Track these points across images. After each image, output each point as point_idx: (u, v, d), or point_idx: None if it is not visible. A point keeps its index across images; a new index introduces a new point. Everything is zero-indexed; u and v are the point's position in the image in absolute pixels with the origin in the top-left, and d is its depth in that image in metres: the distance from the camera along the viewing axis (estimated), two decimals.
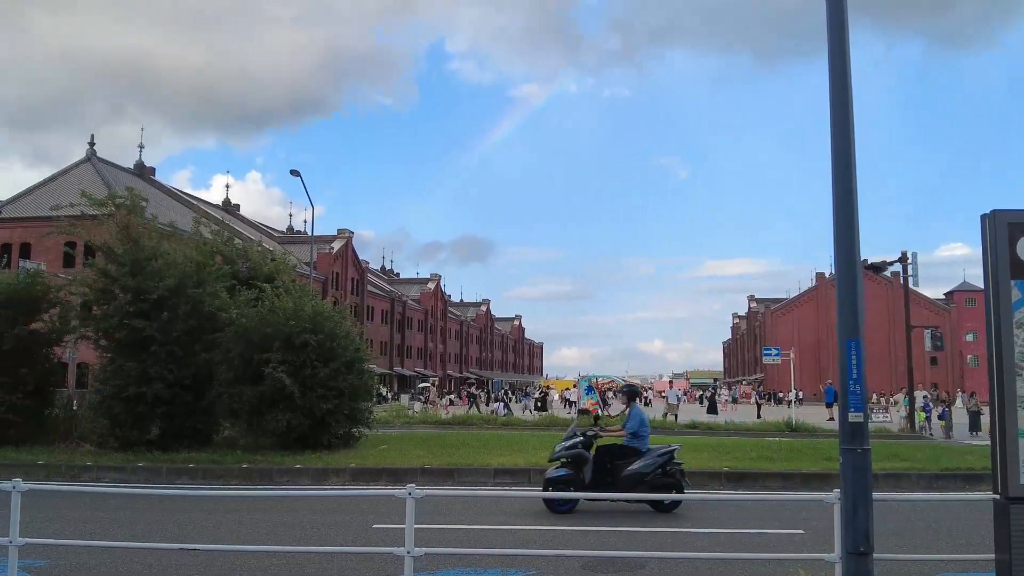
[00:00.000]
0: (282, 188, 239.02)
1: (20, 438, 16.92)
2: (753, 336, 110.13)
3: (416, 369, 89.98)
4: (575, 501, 10.68)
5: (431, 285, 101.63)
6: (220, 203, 72.50)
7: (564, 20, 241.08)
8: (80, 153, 52.82)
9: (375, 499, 11.40)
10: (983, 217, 5.51)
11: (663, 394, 43.66)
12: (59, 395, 19.81)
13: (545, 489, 10.83)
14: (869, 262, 30.80)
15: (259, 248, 22.69)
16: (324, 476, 14.26)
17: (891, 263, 31.43)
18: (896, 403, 34.98)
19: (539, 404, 42.10)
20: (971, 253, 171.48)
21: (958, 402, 45.10)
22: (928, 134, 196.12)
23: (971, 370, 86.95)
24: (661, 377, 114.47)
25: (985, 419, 21.50)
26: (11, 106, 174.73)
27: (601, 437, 11.45)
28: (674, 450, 11.19)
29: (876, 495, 5.81)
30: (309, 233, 43.88)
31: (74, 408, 19.58)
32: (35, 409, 17.98)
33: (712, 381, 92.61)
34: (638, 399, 12.54)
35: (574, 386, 50.69)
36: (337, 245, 70.92)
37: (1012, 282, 5.38)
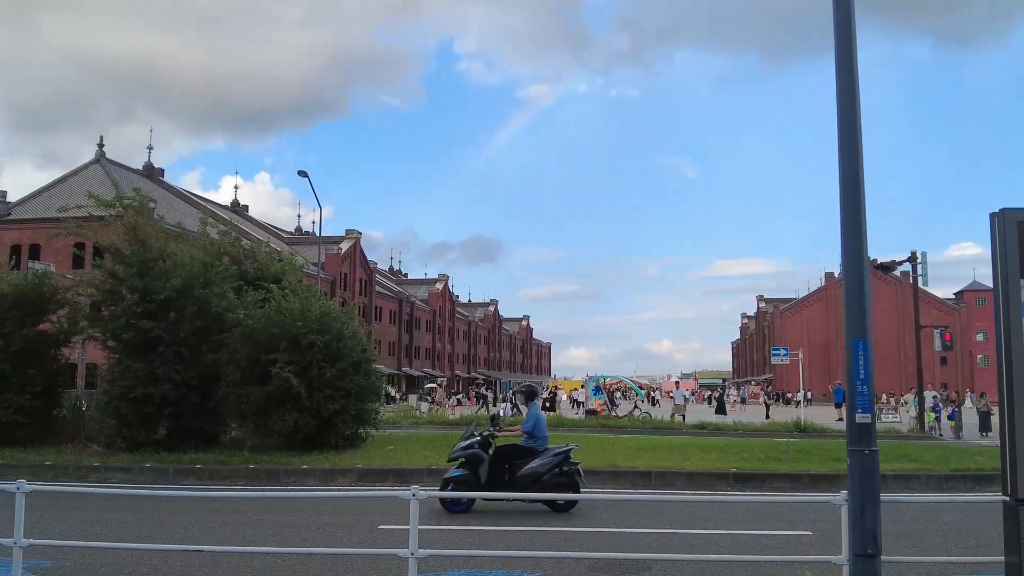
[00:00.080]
0: (291, 189, 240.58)
1: (28, 439, 17.00)
2: (762, 336, 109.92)
3: (424, 369, 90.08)
4: (471, 501, 10.73)
5: (439, 285, 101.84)
6: (229, 204, 72.82)
7: (572, 20, 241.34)
8: (90, 154, 53.06)
9: (381, 500, 11.39)
10: (992, 215, 5.45)
11: (670, 394, 43.48)
12: (67, 396, 19.90)
13: (443, 489, 10.77)
14: (878, 262, 30.64)
15: (266, 249, 22.68)
16: (331, 477, 14.28)
17: (900, 263, 31.28)
18: (906, 403, 34.85)
19: (547, 404, 42.04)
20: (981, 252, 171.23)
21: (968, 402, 44.70)
22: (937, 133, 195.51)
23: (981, 370, 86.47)
24: (669, 377, 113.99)
25: (995, 419, 21.29)
26: (21, 108, 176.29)
27: (498, 437, 11.43)
28: (570, 450, 11.19)
29: (884, 496, 5.78)
30: (317, 234, 44.00)
31: (82, 409, 19.64)
32: (43, 410, 18.04)
33: (721, 381, 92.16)
34: (536, 399, 12.56)
35: (582, 386, 50.56)
36: (345, 246, 71.10)
37: (1021, 281, 5.32)
